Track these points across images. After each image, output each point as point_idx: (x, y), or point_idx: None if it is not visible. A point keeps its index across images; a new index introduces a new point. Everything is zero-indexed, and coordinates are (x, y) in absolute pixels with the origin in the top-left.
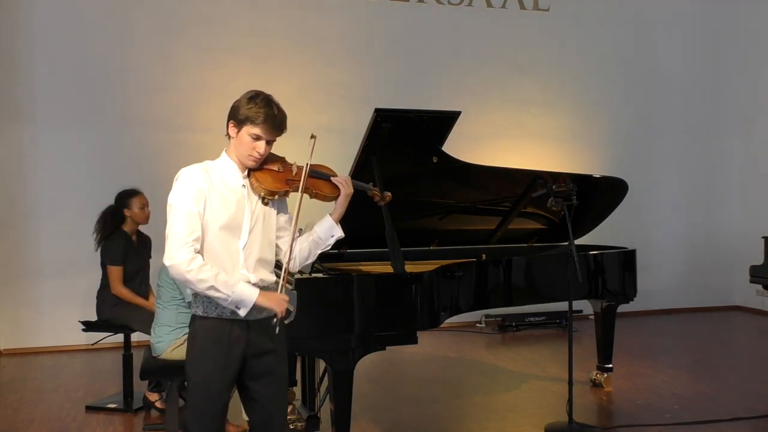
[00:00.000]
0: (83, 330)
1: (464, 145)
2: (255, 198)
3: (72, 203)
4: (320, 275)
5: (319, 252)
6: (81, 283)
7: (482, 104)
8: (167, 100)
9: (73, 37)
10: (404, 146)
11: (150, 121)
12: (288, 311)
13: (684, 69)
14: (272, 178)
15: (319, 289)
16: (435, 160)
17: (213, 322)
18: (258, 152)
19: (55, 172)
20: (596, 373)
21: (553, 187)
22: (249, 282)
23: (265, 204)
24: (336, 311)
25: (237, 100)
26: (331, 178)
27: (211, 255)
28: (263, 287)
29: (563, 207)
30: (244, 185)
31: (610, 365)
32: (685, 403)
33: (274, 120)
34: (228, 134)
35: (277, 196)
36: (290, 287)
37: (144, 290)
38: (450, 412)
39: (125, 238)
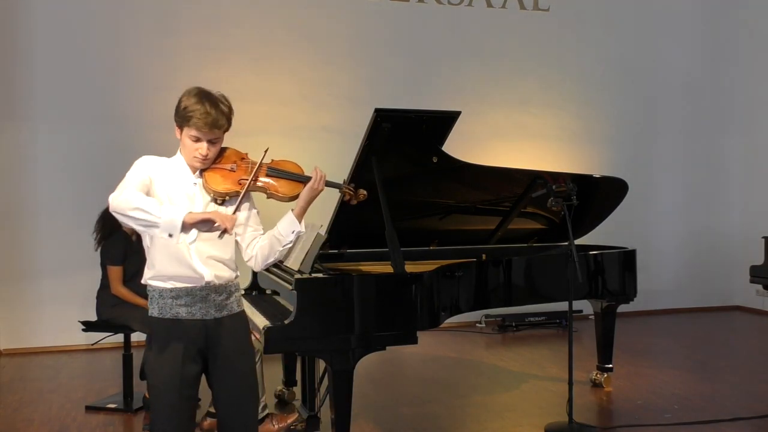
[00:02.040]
0: (83, 330)
1: (464, 145)
2: (208, 196)
3: (72, 203)
4: (320, 275)
5: (281, 249)
6: (81, 283)
7: (482, 104)
8: (167, 99)
9: (72, 36)
10: (404, 146)
11: (150, 121)
12: (289, 311)
13: (684, 68)
14: (222, 178)
15: (319, 289)
16: (435, 160)
17: (168, 322)
18: (200, 154)
19: (54, 172)
20: (596, 373)
21: (553, 187)
22: (204, 278)
23: (219, 204)
24: (336, 311)
25: (178, 99)
26: (314, 170)
27: (161, 249)
28: (220, 284)
29: (563, 207)
30: (195, 183)
31: (610, 365)
32: (685, 403)
33: (206, 118)
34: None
35: (228, 197)
36: (290, 287)
37: (144, 290)
38: (450, 412)
39: (125, 238)
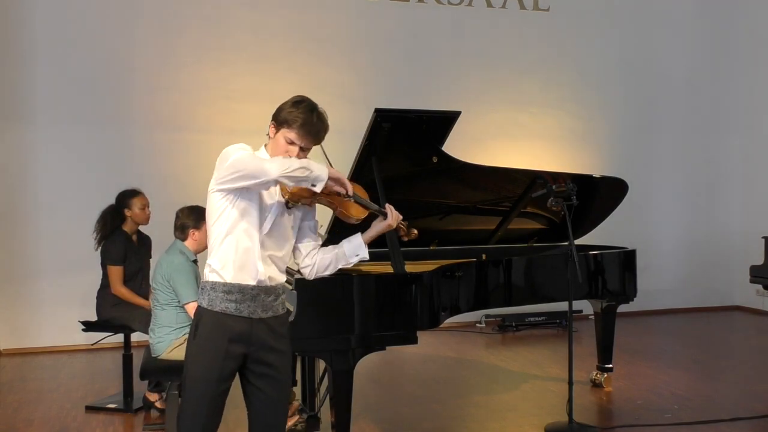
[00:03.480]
0: (83, 330)
1: (464, 145)
2: (282, 197)
3: (72, 203)
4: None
5: (340, 267)
6: (81, 283)
7: (482, 104)
8: (168, 99)
9: (74, 37)
10: (404, 146)
11: (150, 121)
12: (288, 311)
13: (684, 69)
14: (301, 187)
15: (319, 289)
16: (435, 160)
17: (216, 315)
18: (290, 156)
19: (55, 172)
20: (596, 373)
21: (553, 187)
22: (258, 275)
23: (289, 208)
24: (336, 311)
25: (284, 102)
26: (387, 207)
27: (228, 242)
28: (270, 285)
29: (563, 207)
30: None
31: (610, 365)
32: (685, 403)
33: (310, 128)
34: (268, 134)
35: (300, 203)
36: (290, 287)
37: (144, 290)
38: (450, 412)
39: (125, 238)
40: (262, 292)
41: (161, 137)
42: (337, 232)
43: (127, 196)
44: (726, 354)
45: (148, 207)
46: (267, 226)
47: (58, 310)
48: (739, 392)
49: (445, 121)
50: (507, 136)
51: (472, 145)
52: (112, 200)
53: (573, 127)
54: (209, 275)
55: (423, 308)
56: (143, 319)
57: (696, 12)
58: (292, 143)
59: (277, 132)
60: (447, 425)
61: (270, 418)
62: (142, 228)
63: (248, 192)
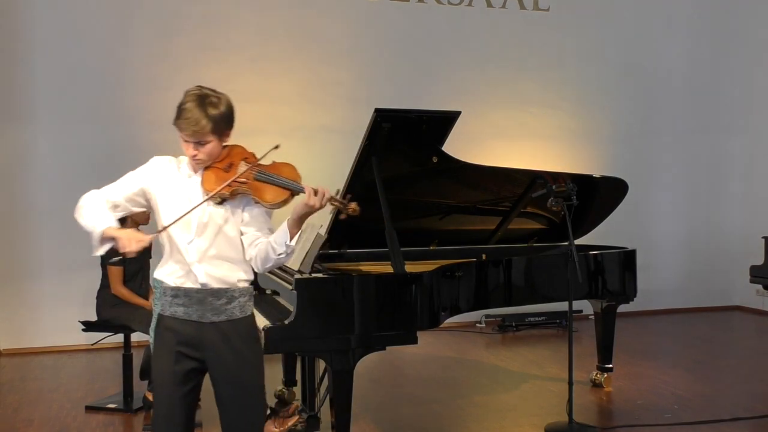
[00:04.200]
0: (83, 330)
1: (464, 145)
2: (205, 196)
3: (72, 203)
4: (320, 275)
5: (276, 257)
6: (81, 283)
7: (482, 104)
8: (167, 99)
9: (73, 36)
10: (404, 146)
11: (150, 121)
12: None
13: (684, 69)
14: (215, 178)
15: (319, 289)
16: (435, 160)
17: (167, 319)
18: (188, 155)
19: (54, 172)
20: (596, 373)
21: (553, 187)
22: (197, 278)
23: (218, 204)
24: (336, 311)
25: None
26: (306, 186)
27: (169, 247)
28: (218, 288)
29: (563, 207)
30: (189, 175)
31: (610, 365)
32: (685, 403)
33: (188, 121)
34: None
35: (219, 197)
36: (290, 287)
37: (144, 290)
38: (450, 412)
39: None
40: (208, 294)
41: (161, 137)
42: (337, 232)
43: None
44: (726, 354)
45: None
46: (193, 228)
47: (58, 310)
48: (739, 392)
49: (445, 121)
50: (507, 136)
51: (472, 145)
52: None
53: (573, 127)
54: (159, 280)
55: (423, 308)
56: (143, 319)
57: (696, 12)
58: (185, 141)
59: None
60: (447, 425)
61: (237, 424)
62: (142, 228)
63: (157, 200)
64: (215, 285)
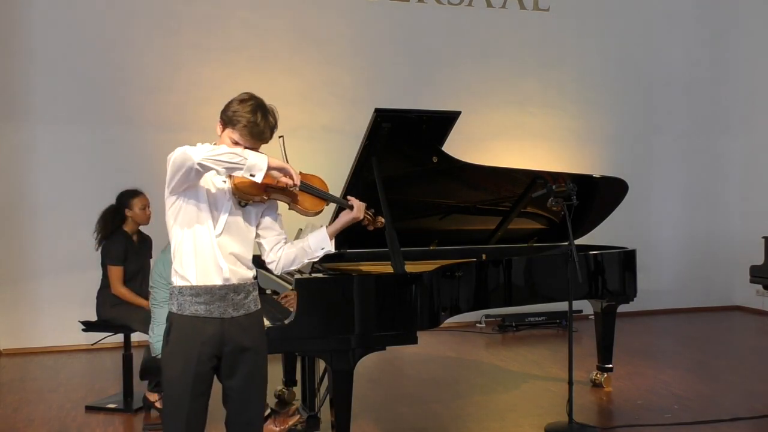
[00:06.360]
0: (83, 330)
1: (464, 145)
2: (234, 196)
3: (72, 203)
4: (320, 275)
5: (306, 261)
6: (81, 283)
7: (482, 104)
8: (167, 99)
9: (72, 36)
10: (404, 146)
11: (150, 121)
12: (288, 311)
13: (684, 68)
14: (249, 184)
15: (319, 289)
16: (435, 160)
17: (187, 319)
18: None
19: (55, 172)
20: (596, 373)
21: (553, 187)
22: (222, 273)
23: (243, 206)
24: (336, 311)
25: (231, 99)
26: (350, 198)
27: (193, 246)
28: (238, 283)
29: (563, 207)
30: (224, 181)
31: (610, 365)
32: (685, 403)
33: (253, 129)
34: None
35: (251, 201)
36: (290, 287)
37: (144, 290)
38: (450, 412)
39: (126, 238)
40: (230, 291)
41: (161, 137)
42: (338, 233)
43: (127, 196)
44: (726, 354)
45: (149, 207)
46: (221, 225)
47: (58, 310)
48: (739, 392)
49: (445, 121)
50: (507, 136)
51: (472, 145)
52: (111, 200)
53: (573, 127)
54: (176, 280)
55: (423, 308)
56: (143, 319)
57: (696, 12)
58: (236, 143)
59: (223, 131)
60: (447, 425)
61: (247, 416)
62: (142, 228)
63: (196, 192)
64: (235, 281)
